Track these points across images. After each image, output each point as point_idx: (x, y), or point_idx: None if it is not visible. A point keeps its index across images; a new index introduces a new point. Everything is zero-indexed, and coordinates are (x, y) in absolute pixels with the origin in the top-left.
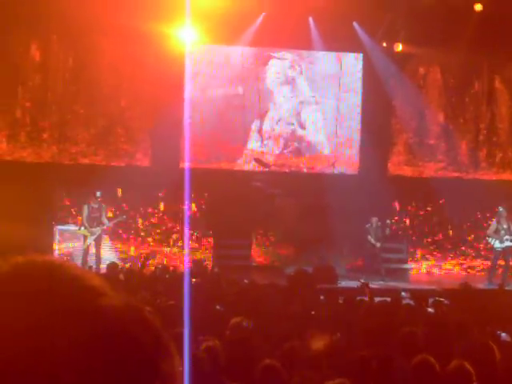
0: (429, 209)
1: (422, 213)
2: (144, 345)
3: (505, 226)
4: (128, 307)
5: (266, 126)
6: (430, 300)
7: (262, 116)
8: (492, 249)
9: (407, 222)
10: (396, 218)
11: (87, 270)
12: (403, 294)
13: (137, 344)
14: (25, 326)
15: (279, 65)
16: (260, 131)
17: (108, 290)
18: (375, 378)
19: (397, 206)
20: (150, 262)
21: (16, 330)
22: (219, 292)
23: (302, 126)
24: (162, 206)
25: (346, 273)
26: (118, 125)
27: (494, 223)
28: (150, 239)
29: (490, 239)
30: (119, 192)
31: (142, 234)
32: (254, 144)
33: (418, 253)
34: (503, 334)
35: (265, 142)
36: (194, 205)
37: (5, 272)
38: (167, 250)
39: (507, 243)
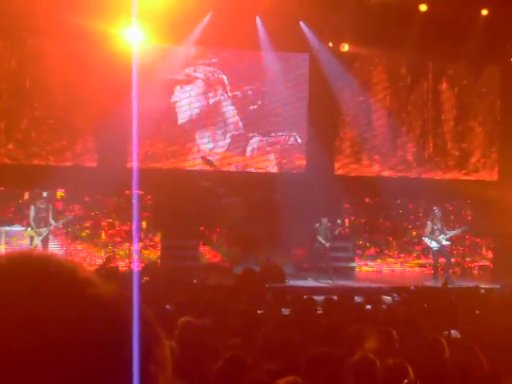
0: (375, 207)
1: (368, 211)
2: (137, 331)
3: (439, 226)
4: (120, 296)
5: (213, 128)
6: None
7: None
8: (429, 249)
9: (353, 220)
10: (343, 217)
11: (80, 264)
12: (356, 298)
13: (130, 330)
14: (20, 315)
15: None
16: (205, 134)
17: (101, 282)
18: (326, 376)
19: (344, 205)
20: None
21: (11, 319)
22: (169, 292)
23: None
24: (109, 206)
25: (294, 271)
26: (63, 125)
27: (429, 224)
28: (98, 240)
29: (426, 239)
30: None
31: (90, 234)
32: (200, 143)
33: (364, 251)
34: (453, 331)
35: (211, 143)
36: (141, 205)
37: (1, 264)
38: (117, 250)
39: (443, 242)
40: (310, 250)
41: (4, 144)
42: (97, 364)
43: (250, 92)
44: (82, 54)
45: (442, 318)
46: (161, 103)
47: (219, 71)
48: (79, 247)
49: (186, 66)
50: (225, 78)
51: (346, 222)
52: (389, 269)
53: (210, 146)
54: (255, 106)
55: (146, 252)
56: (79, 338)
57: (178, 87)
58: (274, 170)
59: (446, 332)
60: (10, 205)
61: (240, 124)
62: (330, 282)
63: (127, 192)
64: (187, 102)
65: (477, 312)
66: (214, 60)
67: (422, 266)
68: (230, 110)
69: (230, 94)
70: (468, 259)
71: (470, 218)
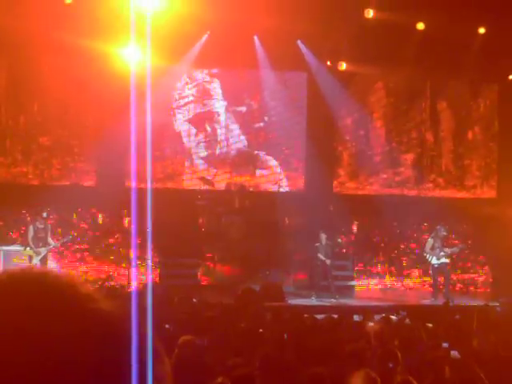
0: (373, 225)
1: (366, 229)
2: (137, 347)
3: (439, 244)
4: (121, 312)
5: (210, 149)
6: (377, 316)
7: (205, 140)
8: (430, 265)
9: (352, 238)
10: (342, 235)
11: (80, 280)
12: (355, 317)
13: (131, 345)
14: (21, 330)
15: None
16: (205, 152)
17: (101, 297)
18: None
19: (344, 223)
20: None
21: (13, 334)
22: (168, 311)
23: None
24: (107, 226)
25: (295, 290)
26: (61, 144)
27: (430, 240)
28: (96, 259)
29: (427, 256)
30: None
31: (89, 253)
32: (198, 163)
33: (363, 270)
34: (453, 352)
35: (209, 162)
36: (139, 224)
37: (2, 280)
38: (116, 269)
39: (443, 259)
40: (311, 268)
41: (1, 163)
42: (97, 378)
43: (255, 106)
44: (80, 73)
45: (444, 337)
46: (159, 123)
47: (220, 93)
48: (78, 267)
49: (185, 88)
50: (223, 104)
51: (344, 239)
52: (387, 287)
53: (213, 172)
54: (261, 124)
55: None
56: (80, 352)
57: (179, 116)
58: (274, 188)
59: (446, 345)
60: (9, 225)
61: (245, 143)
62: (333, 300)
63: (125, 211)
64: (188, 128)
65: (476, 330)
66: (212, 78)
67: (421, 284)
68: (234, 133)
69: (230, 116)
70: (467, 277)
71: (468, 235)
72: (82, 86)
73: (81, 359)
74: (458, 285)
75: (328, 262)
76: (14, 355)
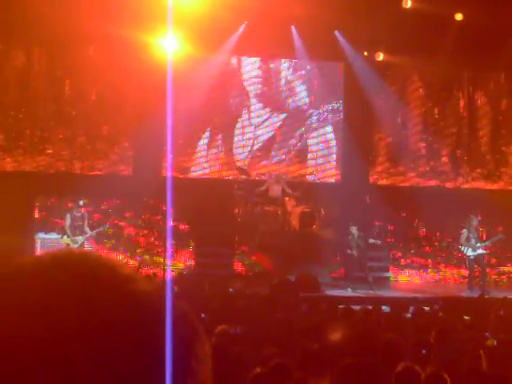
0: (409, 217)
1: (402, 221)
2: (179, 329)
3: (475, 234)
4: (162, 292)
5: (247, 136)
6: (412, 308)
7: (243, 127)
8: (466, 257)
9: (388, 230)
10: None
11: (121, 261)
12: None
13: (171, 327)
14: (63, 309)
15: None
16: (241, 140)
17: (141, 278)
18: None
19: (379, 214)
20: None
21: (55, 313)
22: (203, 300)
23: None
24: (143, 215)
25: (332, 281)
26: (100, 133)
27: (464, 231)
28: (131, 248)
29: (462, 248)
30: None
31: (123, 242)
32: (236, 152)
33: (399, 261)
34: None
35: (246, 151)
36: (175, 213)
37: (45, 261)
38: (150, 258)
39: (479, 251)
40: (346, 259)
41: (38, 152)
42: (135, 359)
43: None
44: (119, 64)
45: (481, 329)
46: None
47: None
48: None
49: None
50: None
51: (380, 231)
52: (423, 278)
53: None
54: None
55: (180, 261)
56: (121, 333)
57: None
58: (311, 179)
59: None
60: (46, 213)
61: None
62: (370, 292)
63: (161, 200)
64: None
65: None
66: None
67: (457, 276)
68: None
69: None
70: (503, 269)
71: (505, 227)
72: (122, 76)
73: (119, 339)
74: (494, 277)
75: (362, 253)
76: (53, 334)
